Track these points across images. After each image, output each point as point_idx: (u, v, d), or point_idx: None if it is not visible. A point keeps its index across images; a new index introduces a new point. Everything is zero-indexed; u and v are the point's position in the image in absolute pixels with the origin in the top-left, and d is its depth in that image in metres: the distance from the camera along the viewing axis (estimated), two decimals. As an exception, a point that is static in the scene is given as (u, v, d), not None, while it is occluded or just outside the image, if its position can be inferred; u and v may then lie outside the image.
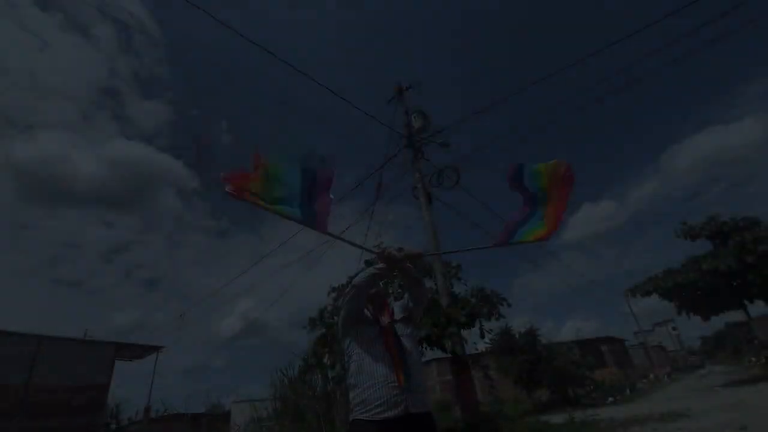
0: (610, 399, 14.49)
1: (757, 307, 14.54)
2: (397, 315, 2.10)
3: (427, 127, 10.12)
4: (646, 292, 13.40)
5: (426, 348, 8.54)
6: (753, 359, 19.07)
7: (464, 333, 7.99)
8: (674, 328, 62.40)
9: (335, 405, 5.00)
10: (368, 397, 1.70)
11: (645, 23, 7.67)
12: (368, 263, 9.61)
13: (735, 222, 12.16)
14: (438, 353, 8.11)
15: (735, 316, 14.21)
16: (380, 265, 1.95)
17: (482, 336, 8.75)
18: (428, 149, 10.32)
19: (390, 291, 8.86)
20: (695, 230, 13.01)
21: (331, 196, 2.01)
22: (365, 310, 2.03)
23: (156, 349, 14.42)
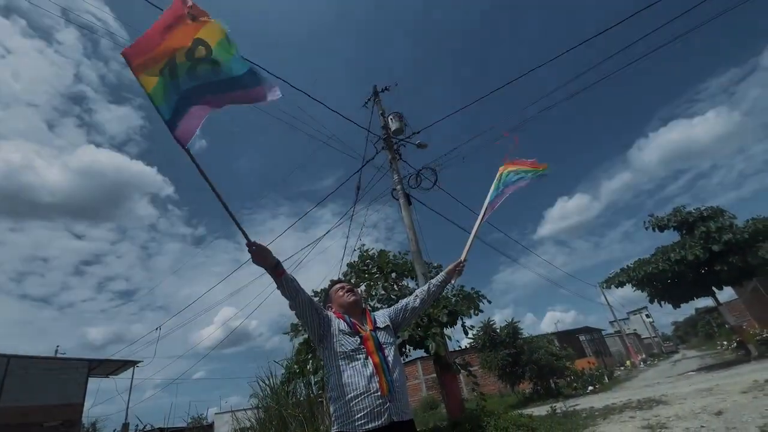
0: (590, 388, 14.89)
1: (725, 292, 15.26)
2: (380, 323, 2.05)
3: (404, 129, 10.17)
4: (620, 283, 13.84)
5: (410, 349, 8.58)
6: (725, 343, 19.95)
7: (447, 331, 8.06)
8: (648, 316, 64.68)
9: (319, 412, 4.95)
10: (350, 410, 1.67)
11: (611, 22, 7.91)
12: (351, 266, 9.61)
13: (700, 212, 12.68)
14: (422, 352, 8.17)
15: (705, 301, 14.87)
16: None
17: (465, 333, 8.87)
18: (406, 150, 10.38)
19: (374, 293, 8.85)
20: (663, 222, 13.52)
21: (215, 110, 1.88)
22: (343, 321, 1.96)
23: (132, 363, 13.92)
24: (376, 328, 1.98)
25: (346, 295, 2.11)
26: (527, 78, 9.46)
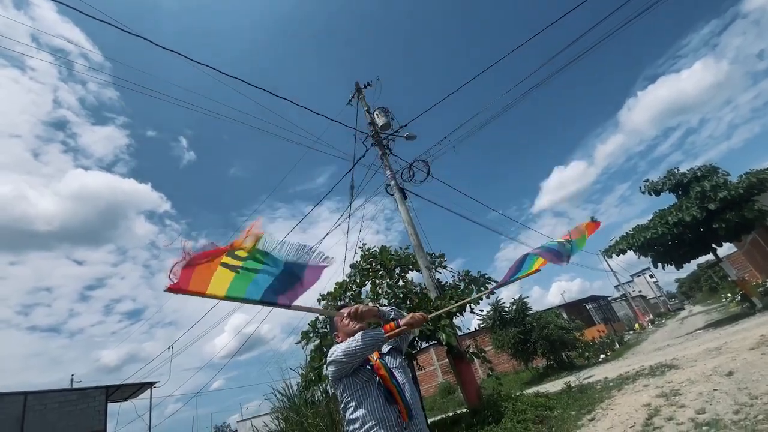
0: (602, 356, 15.08)
1: (725, 246, 15.36)
2: (385, 348, 2.05)
3: (391, 123, 10.11)
4: (621, 251, 13.94)
5: (421, 342, 8.64)
6: (729, 295, 20.21)
7: (456, 320, 8.12)
8: (652, 276, 65.26)
9: (340, 419, 5.00)
10: None
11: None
12: (354, 267, 9.61)
13: (693, 172, 12.72)
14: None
15: (706, 257, 14.97)
16: (384, 335, 1.82)
17: (471, 310, 8.93)
18: (396, 144, 10.35)
19: (380, 291, 8.86)
20: (658, 186, 13.56)
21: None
22: None
23: (149, 385, 13.95)
24: (382, 354, 1.99)
25: (351, 323, 2.09)
26: (512, 57, 9.39)
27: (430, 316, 1.98)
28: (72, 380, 22.00)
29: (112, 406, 12.99)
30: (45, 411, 10.51)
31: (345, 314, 2.13)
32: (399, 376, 1.88)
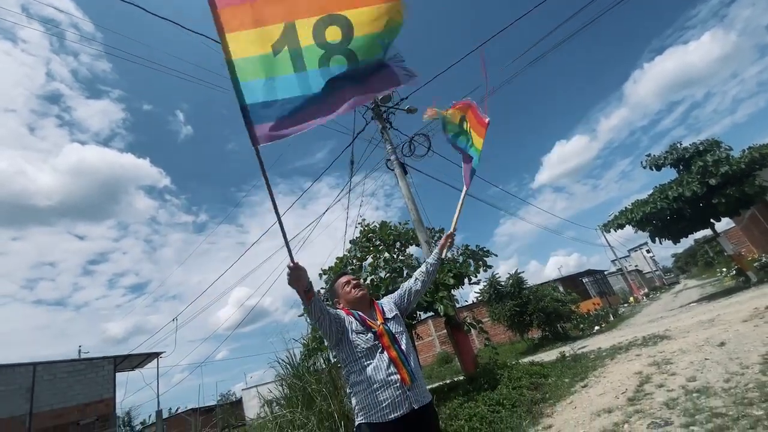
0: (596, 328, 15.44)
1: (723, 221, 15.45)
2: (388, 313, 2.07)
3: (392, 95, 9.92)
4: (619, 226, 14.00)
5: (420, 314, 8.80)
6: (724, 270, 20.48)
7: (454, 292, 8.23)
8: (648, 251, 65.91)
9: (342, 386, 5.17)
10: (372, 401, 1.74)
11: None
12: (353, 242, 9.68)
13: (696, 147, 12.62)
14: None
15: (704, 232, 15.07)
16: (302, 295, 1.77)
17: (469, 281, 9.00)
18: (397, 118, 10.19)
19: (381, 264, 8.95)
20: (660, 160, 13.48)
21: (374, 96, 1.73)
22: (354, 320, 1.97)
23: (156, 355, 14.36)
24: (386, 319, 2.00)
25: (353, 291, 2.11)
26: (516, 28, 9.12)
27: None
28: (80, 351, 22.55)
29: (120, 375, 13.40)
30: (55, 380, 10.84)
31: (345, 282, 2.18)
32: (402, 341, 1.93)
